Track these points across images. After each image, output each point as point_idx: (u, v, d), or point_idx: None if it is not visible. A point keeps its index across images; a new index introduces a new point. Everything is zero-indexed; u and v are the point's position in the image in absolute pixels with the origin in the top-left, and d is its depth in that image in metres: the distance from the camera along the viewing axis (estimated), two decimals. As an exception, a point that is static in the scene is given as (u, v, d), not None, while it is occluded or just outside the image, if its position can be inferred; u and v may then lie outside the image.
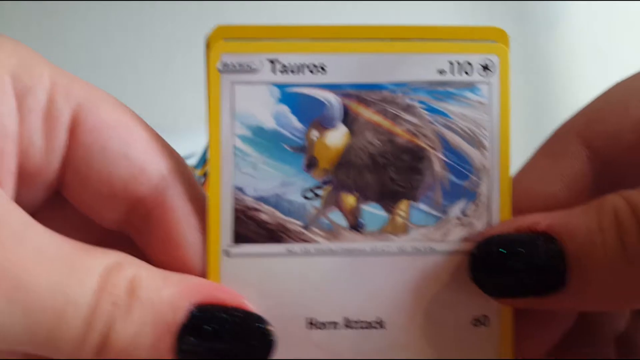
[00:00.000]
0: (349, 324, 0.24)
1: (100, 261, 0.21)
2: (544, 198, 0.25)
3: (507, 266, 0.23)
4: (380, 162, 0.24)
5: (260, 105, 0.23)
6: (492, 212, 0.24)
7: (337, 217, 0.24)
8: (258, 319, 0.23)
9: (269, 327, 0.23)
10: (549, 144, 0.26)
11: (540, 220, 0.23)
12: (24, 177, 0.22)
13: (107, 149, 0.23)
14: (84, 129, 0.22)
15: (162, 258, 0.23)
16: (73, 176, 0.23)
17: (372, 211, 0.24)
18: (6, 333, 0.20)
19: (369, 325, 0.24)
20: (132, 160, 0.23)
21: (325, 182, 0.24)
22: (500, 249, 0.23)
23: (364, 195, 0.24)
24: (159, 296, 0.21)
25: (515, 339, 0.25)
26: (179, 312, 0.21)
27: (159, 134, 0.24)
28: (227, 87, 0.23)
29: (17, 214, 0.21)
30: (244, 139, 0.23)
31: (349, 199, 0.24)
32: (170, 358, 0.21)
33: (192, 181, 0.24)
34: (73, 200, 0.24)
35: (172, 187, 0.23)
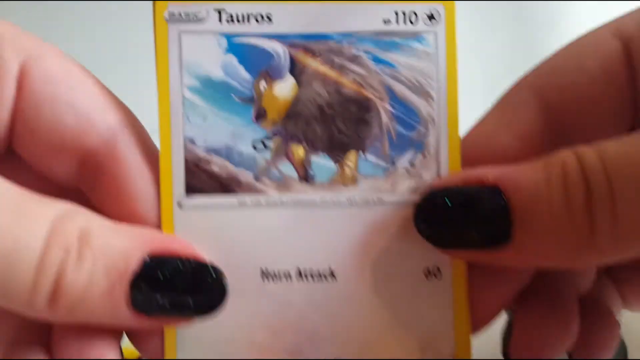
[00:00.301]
0: (301, 274, 0.24)
1: (51, 209, 0.21)
2: (495, 149, 0.25)
3: (452, 218, 0.23)
4: (328, 113, 0.24)
5: (208, 55, 0.23)
6: (441, 163, 0.25)
7: (287, 169, 0.24)
8: (211, 268, 0.23)
9: (222, 276, 0.23)
10: (503, 98, 0.26)
11: (488, 173, 0.23)
12: None
13: (55, 100, 0.22)
14: (32, 80, 0.22)
15: (115, 211, 0.23)
16: (22, 128, 0.23)
17: (321, 162, 0.24)
18: None
19: (320, 276, 0.24)
20: (80, 111, 0.23)
21: (274, 133, 0.24)
22: (445, 200, 0.23)
23: (313, 147, 0.24)
24: (110, 245, 0.21)
25: (468, 290, 0.25)
26: (132, 260, 0.21)
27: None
28: (174, 37, 0.23)
29: None
30: (192, 89, 0.23)
31: (299, 150, 0.24)
32: (124, 307, 0.21)
33: (143, 134, 0.24)
34: (24, 154, 0.23)
35: (123, 139, 0.23)
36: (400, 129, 0.24)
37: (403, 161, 0.24)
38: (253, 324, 0.24)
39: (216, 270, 0.23)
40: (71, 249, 0.20)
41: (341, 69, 0.24)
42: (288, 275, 0.24)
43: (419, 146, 0.24)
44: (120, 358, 0.22)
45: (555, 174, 0.22)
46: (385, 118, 0.24)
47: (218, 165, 0.23)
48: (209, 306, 0.23)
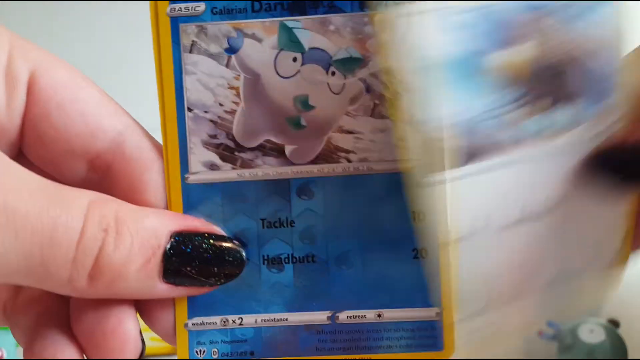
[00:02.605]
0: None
1: (84, 194, 0.22)
2: None
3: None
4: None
5: None
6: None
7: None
8: (229, 240, 0.25)
9: (239, 246, 0.25)
10: None
11: None
12: None
13: (63, 106, 0.24)
14: (40, 88, 0.24)
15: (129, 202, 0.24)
16: (32, 134, 0.24)
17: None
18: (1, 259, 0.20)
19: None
20: (87, 117, 0.24)
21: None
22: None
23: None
24: (144, 224, 0.23)
25: None
26: (162, 238, 0.23)
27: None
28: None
29: None
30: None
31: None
32: (157, 279, 0.23)
33: (147, 134, 0.25)
34: (34, 158, 0.25)
35: (130, 139, 0.24)
36: (593, 86, 0.24)
37: (591, 113, 0.24)
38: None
39: (234, 242, 0.25)
40: (110, 228, 0.22)
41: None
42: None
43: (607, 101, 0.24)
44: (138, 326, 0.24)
45: None
46: (579, 77, 0.24)
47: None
48: (230, 274, 0.24)
